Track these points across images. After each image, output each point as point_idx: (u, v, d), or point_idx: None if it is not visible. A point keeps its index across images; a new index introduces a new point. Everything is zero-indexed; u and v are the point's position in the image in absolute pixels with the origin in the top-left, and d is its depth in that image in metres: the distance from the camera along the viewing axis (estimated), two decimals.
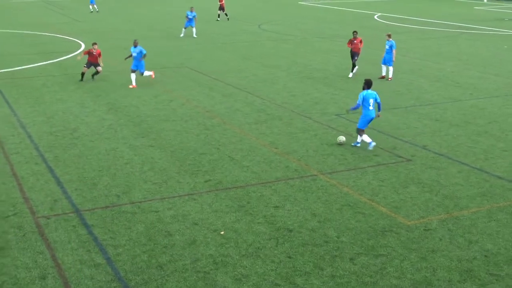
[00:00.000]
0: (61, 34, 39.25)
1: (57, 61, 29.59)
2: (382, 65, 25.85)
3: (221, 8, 48.30)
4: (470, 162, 15.42)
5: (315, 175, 14.47)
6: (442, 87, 24.40)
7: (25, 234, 11.32)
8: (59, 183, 13.85)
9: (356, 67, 26.19)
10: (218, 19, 47.96)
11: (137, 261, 10.37)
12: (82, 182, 13.88)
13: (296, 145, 16.71)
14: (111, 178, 14.17)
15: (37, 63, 29.08)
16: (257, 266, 10.20)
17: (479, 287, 9.65)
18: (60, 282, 9.68)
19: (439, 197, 13.16)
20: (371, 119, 16.35)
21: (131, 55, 23.93)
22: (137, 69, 23.76)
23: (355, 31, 26.16)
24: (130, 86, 23.70)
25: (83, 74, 24.70)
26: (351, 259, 10.48)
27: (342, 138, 16.73)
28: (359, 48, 25.99)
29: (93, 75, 24.62)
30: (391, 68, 25.51)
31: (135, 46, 23.70)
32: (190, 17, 38.22)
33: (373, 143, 16.20)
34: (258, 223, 11.86)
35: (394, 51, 25.24)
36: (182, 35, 38.68)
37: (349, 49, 26.45)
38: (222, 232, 11.43)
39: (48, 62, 29.37)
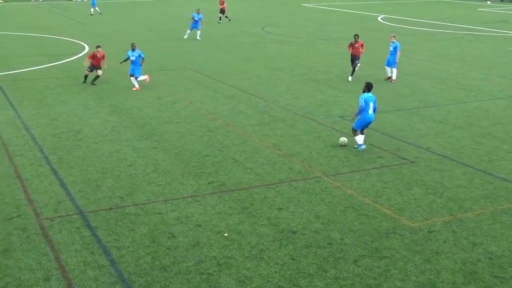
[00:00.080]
0: (64, 36, 39.33)
1: (60, 63, 29.64)
2: (386, 67, 25.82)
3: (222, 11, 48.38)
4: (474, 164, 15.39)
5: (319, 177, 14.45)
6: (446, 89, 24.36)
7: (29, 235, 11.33)
8: (63, 185, 13.86)
9: (359, 64, 25.79)
10: (220, 21, 48.02)
11: (140, 262, 10.37)
12: (85, 184, 13.90)
13: (299, 147, 16.70)
14: (115, 180, 14.18)
15: (40, 65, 29.13)
16: (260, 268, 10.19)
17: None
18: (64, 284, 9.69)
19: (443, 199, 13.14)
20: (369, 123, 16.38)
21: (127, 59, 23.85)
22: (133, 73, 23.68)
23: (356, 35, 25.85)
24: (134, 89, 23.72)
25: (86, 76, 24.73)
26: (354, 261, 10.46)
27: (344, 140, 16.73)
28: (360, 52, 25.56)
29: (93, 80, 24.44)
30: (394, 70, 25.47)
31: (133, 50, 23.56)
32: (196, 19, 38.21)
33: (363, 146, 16.28)
34: (262, 225, 11.85)
35: (398, 53, 25.20)
36: (186, 36, 38.67)
37: (350, 52, 26.08)
38: (225, 234, 11.43)
39: (52, 64, 29.43)
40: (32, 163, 15.32)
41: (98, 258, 10.49)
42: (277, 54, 32.93)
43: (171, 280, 9.83)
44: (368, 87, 16.29)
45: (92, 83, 24.31)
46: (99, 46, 24.60)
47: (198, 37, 38.39)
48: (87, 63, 24.66)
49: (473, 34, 42.32)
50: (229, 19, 48.42)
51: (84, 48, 34.46)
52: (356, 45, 25.49)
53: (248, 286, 9.65)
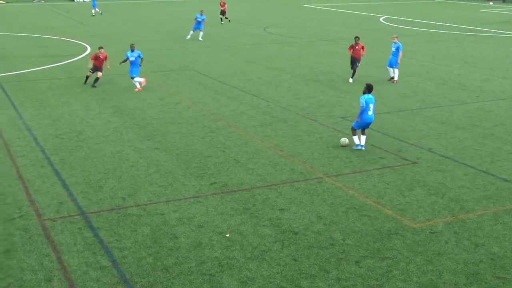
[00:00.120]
0: (66, 37, 39.37)
1: (62, 64, 29.67)
2: (388, 68, 25.80)
3: (222, 12, 48.41)
4: (476, 165, 15.38)
5: (321, 177, 14.45)
6: (448, 89, 24.35)
7: (31, 236, 11.34)
8: (65, 185, 13.87)
9: (358, 65, 25.72)
10: (222, 22, 48.04)
11: (142, 263, 10.38)
12: (88, 185, 13.91)
13: (301, 147, 16.70)
14: (117, 180, 14.19)
15: (42, 66, 29.16)
16: (262, 269, 10.19)
17: None
18: (65, 285, 9.69)
19: (445, 200, 13.12)
20: (369, 123, 16.42)
21: (126, 60, 23.83)
22: (131, 74, 23.65)
23: (357, 37, 25.69)
24: (135, 89, 23.73)
25: (87, 77, 24.74)
26: (356, 262, 10.46)
27: (345, 140, 16.74)
28: (361, 55, 25.42)
29: (94, 83, 24.34)
30: (396, 71, 25.46)
31: (132, 51, 23.55)
32: (199, 20, 38.21)
33: (359, 147, 16.38)
34: (264, 225, 11.85)
35: (400, 53, 25.17)
36: (189, 37, 38.67)
37: (350, 55, 25.76)
38: (227, 235, 11.43)
39: (54, 65, 29.45)
40: (34, 163, 15.34)
41: (100, 259, 10.49)
42: (278, 55, 32.93)
43: (173, 281, 9.83)
44: (369, 89, 16.34)
45: (93, 85, 24.25)
46: (101, 47, 24.61)
47: (200, 38, 38.40)
48: (91, 65, 24.57)
49: (475, 35, 42.30)
50: (229, 20, 48.41)
51: (86, 49, 34.49)
52: (357, 47, 25.34)
53: (250, 287, 9.65)
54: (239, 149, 16.51)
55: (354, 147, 16.40)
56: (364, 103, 16.06)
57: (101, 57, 24.32)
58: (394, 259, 10.54)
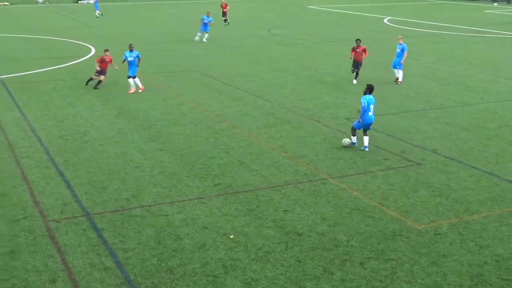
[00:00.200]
0: (71, 39, 39.45)
1: (67, 66, 29.73)
2: (393, 69, 25.72)
3: (224, 14, 48.43)
4: (481, 166, 15.33)
5: (325, 179, 14.43)
6: (452, 91, 24.30)
7: (36, 237, 11.36)
8: (69, 186, 13.89)
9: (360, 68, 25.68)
10: (226, 24, 48.05)
11: (146, 264, 10.38)
12: (92, 186, 13.92)
13: (305, 149, 16.69)
14: (121, 182, 14.20)
15: (47, 67, 29.23)
16: (266, 270, 10.18)
17: None
18: (70, 286, 9.70)
19: (449, 201, 13.09)
20: (370, 124, 16.43)
21: (124, 60, 23.77)
22: (132, 74, 23.58)
23: (358, 39, 25.58)
24: (139, 90, 23.76)
25: (90, 79, 24.74)
26: (361, 263, 10.44)
27: (347, 141, 16.74)
28: (362, 58, 25.23)
29: (96, 85, 24.32)
30: (400, 72, 25.41)
31: (131, 51, 23.60)
32: (205, 21, 38.26)
33: (355, 144, 16.57)
34: (268, 227, 11.84)
35: (405, 54, 25.10)
36: (197, 38, 38.75)
37: (352, 57, 25.47)
38: (231, 236, 11.42)
39: (58, 66, 29.52)
40: (38, 165, 15.36)
41: (104, 260, 10.50)
42: (283, 56, 32.93)
43: (177, 282, 9.82)
44: (369, 89, 16.37)
45: (95, 87, 24.27)
46: (107, 50, 24.65)
47: (204, 40, 38.44)
48: (99, 68, 24.54)
49: (480, 36, 42.22)
50: (228, 23, 48.17)
51: (91, 50, 34.55)
52: (358, 49, 25.12)
53: None
54: (243, 150, 16.51)
55: (351, 143, 16.56)
56: (366, 103, 16.08)
57: (106, 60, 24.37)
58: (398, 261, 10.51)
